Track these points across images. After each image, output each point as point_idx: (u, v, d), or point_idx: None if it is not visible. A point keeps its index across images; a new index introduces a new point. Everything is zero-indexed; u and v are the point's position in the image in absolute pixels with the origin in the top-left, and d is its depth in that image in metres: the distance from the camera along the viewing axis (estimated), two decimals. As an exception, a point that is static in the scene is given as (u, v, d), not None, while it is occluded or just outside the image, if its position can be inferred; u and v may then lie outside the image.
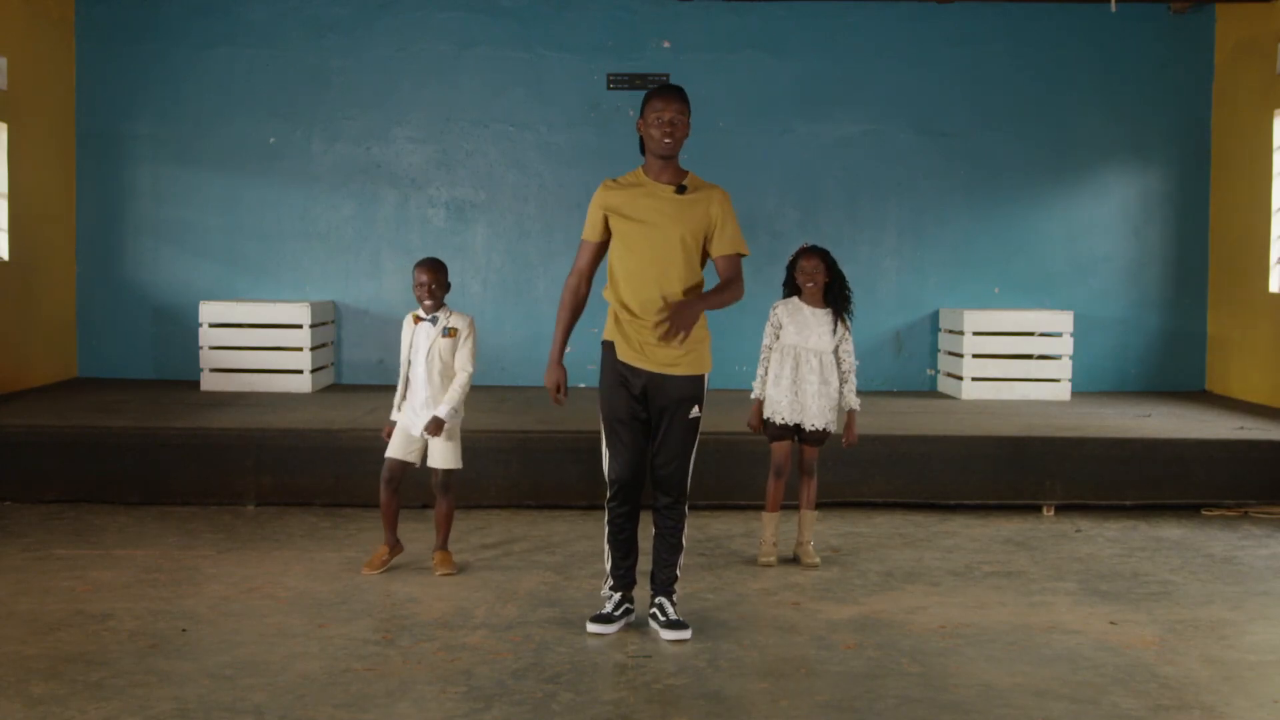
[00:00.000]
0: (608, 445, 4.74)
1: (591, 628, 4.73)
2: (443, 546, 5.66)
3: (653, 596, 4.79)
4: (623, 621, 4.77)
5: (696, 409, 4.70)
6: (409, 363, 5.60)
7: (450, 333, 5.58)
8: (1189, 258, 9.80)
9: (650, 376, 4.65)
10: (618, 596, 4.80)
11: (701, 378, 4.72)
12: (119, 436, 7.05)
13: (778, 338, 5.86)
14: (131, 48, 9.57)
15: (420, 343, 5.57)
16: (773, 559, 5.83)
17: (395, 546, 5.69)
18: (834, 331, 5.82)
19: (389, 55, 9.64)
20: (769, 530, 5.88)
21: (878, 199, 9.75)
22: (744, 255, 4.75)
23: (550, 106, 9.66)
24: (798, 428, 5.84)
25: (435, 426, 5.51)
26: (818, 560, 5.83)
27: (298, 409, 8.00)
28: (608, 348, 4.74)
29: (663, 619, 4.72)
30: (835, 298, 5.86)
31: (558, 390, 4.83)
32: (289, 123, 9.64)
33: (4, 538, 6.16)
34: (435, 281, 5.54)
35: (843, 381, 5.87)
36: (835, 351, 5.85)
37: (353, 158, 9.67)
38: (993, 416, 8.06)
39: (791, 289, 5.93)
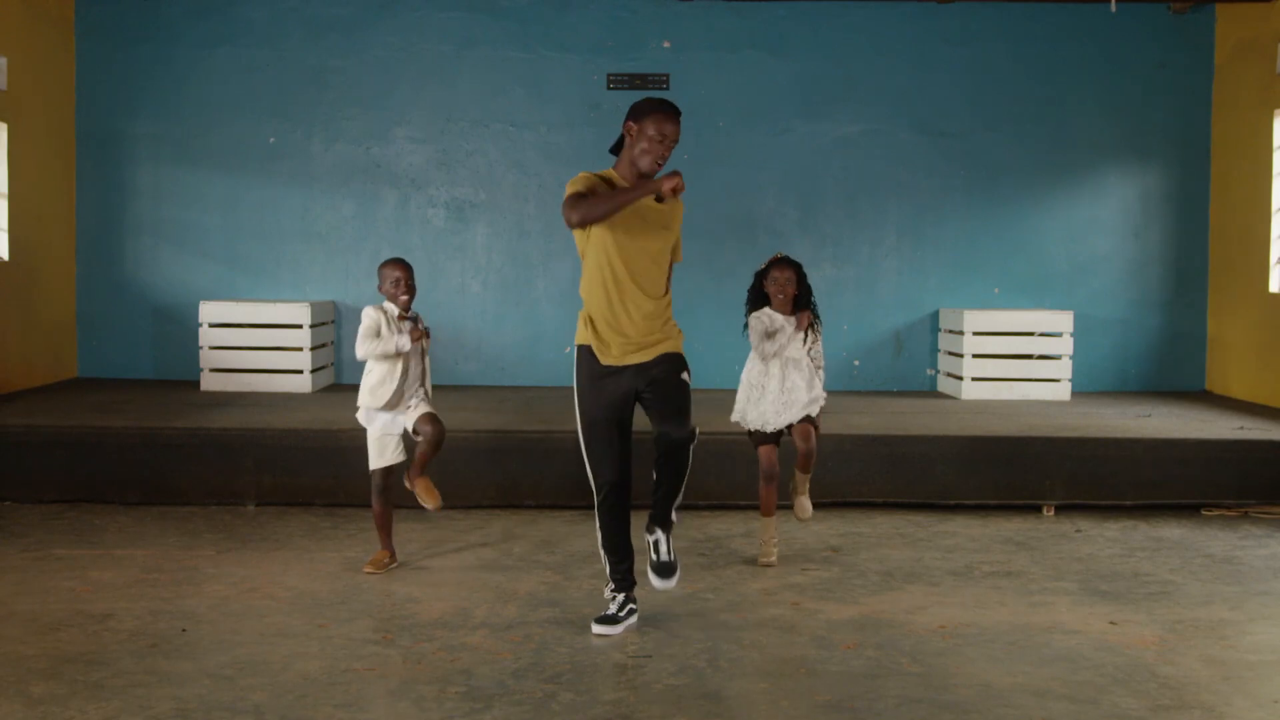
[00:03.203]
0: (587, 449, 4.73)
1: (597, 629, 4.72)
2: (423, 474, 5.59)
3: (649, 525, 4.71)
4: (627, 622, 4.77)
5: (686, 374, 4.71)
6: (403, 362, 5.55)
7: (427, 331, 5.65)
8: (1189, 258, 9.80)
9: (634, 369, 4.65)
10: (621, 597, 4.80)
11: (682, 355, 4.74)
12: (119, 436, 7.05)
13: (770, 339, 5.86)
14: (131, 48, 9.57)
15: (407, 341, 5.56)
16: (773, 559, 5.83)
17: (394, 554, 5.71)
18: (804, 341, 5.86)
19: (389, 55, 9.64)
20: (768, 533, 5.88)
21: (878, 199, 9.75)
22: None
23: (550, 106, 9.66)
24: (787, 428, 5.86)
25: (428, 421, 5.59)
26: (810, 512, 5.91)
27: (298, 409, 8.00)
28: (584, 351, 4.72)
29: (654, 559, 4.66)
30: (803, 309, 5.89)
31: (674, 184, 4.51)
32: (289, 123, 9.64)
33: (4, 538, 6.16)
34: (410, 277, 5.59)
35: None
36: (808, 354, 5.88)
37: (353, 158, 9.68)
38: (993, 416, 8.06)
39: (758, 298, 5.93)
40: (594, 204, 4.54)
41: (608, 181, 4.72)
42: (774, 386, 5.81)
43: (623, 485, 4.72)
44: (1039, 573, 5.76)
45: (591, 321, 4.70)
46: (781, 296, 5.85)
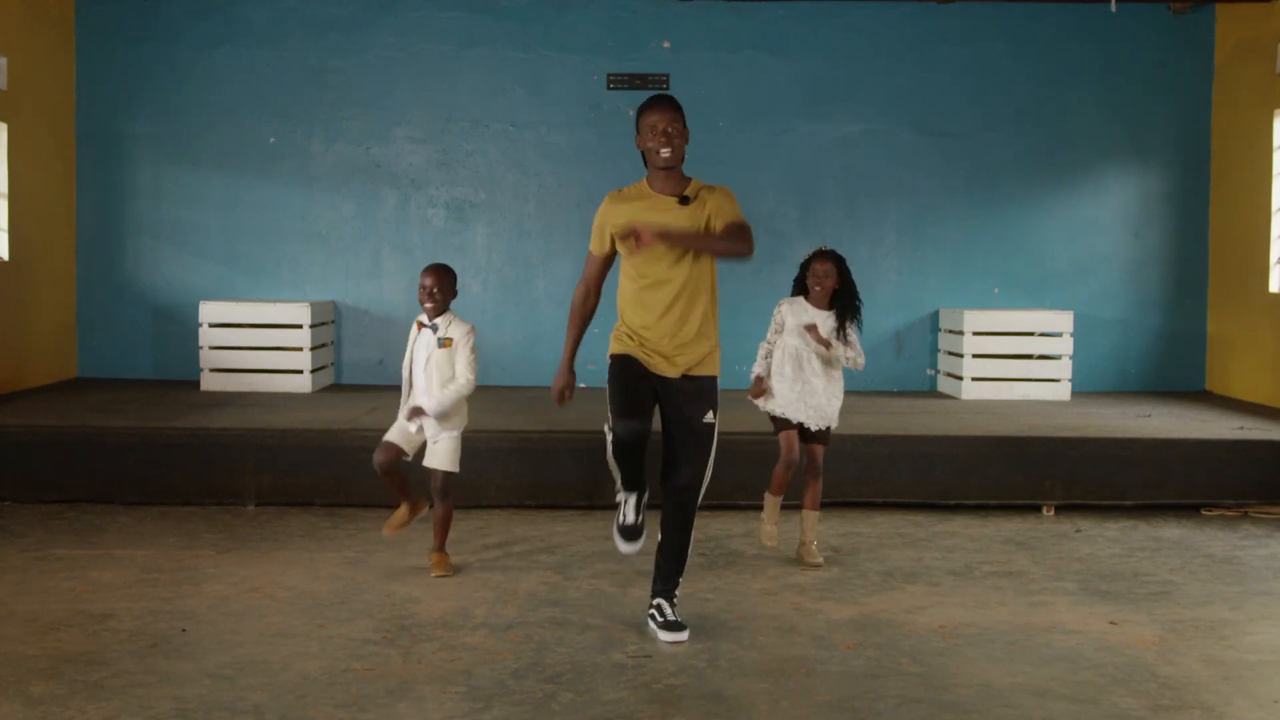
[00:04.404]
0: (612, 406, 4.59)
1: (623, 547, 4.66)
2: (440, 549, 5.66)
3: (652, 598, 4.79)
4: (646, 531, 4.66)
5: (711, 414, 4.69)
6: (409, 368, 5.61)
7: (445, 343, 5.56)
8: (1189, 258, 9.80)
9: (666, 381, 4.65)
10: (634, 497, 4.65)
11: (714, 381, 4.72)
12: (119, 436, 7.05)
13: (780, 332, 5.85)
14: (131, 48, 9.57)
15: (420, 351, 5.58)
16: (773, 541, 5.84)
17: (416, 504, 5.67)
18: (837, 335, 5.81)
19: (389, 55, 9.64)
20: (772, 510, 5.86)
21: (878, 199, 9.75)
22: (746, 226, 4.60)
23: (550, 106, 9.66)
24: (802, 425, 5.84)
25: (413, 412, 5.52)
26: (820, 560, 5.83)
27: (298, 409, 8.00)
28: (616, 358, 4.70)
29: (660, 620, 4.71)
30: (842, 305, 5.85)
31: (562, 396, 4.81)
32: (289, 123, 9.64)
33: (4, 538, 6.16)
34: (438, 285, 5.55)
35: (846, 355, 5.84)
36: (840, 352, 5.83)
37: (353, 158, 9.68)
38: (993, 416, 8.06)
39: (801, 290, 5.93)
40: (570, 320, 4.84)
41: (638, 193, 4.69)
42: (789, 374, 5.79)
43: (637, 443, 4.58)
44: (1039, 573, 5.75)
45: (626, 332, 4.69)
46: (819, 290, 5.84)
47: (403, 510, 5.69)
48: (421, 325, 5.60)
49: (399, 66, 9.64)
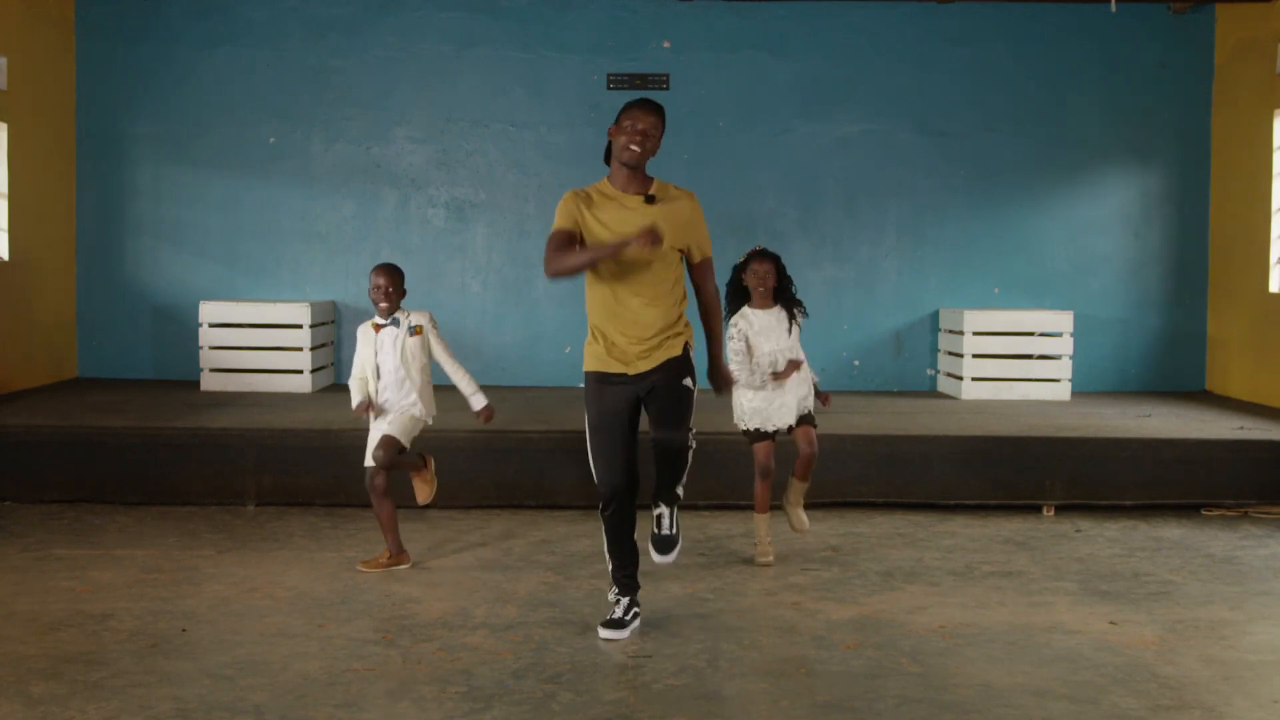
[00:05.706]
0: (593, 449, 4.69)
1: (604, 634, 4.70)
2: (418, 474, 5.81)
3: (653, 504, 4.72)
4: (633, 625, 4.76)
5: (689, 379, 4.67)
6: (376, 369, 5.63)
7: (416, 330, 5.61)
8: (1189, 258, 9.80)
9: (635, 375, 4.63)
10: (625, 601, 4.79)
11: (689, 358, 4.69)
12: (119, 436, 7.05)
13: (747, 352, 5.81)
14: (131, 48, 9.58)
15: (387, 346, 5.60)
16: (770, 558, 5.84)
17: (399, 554, 5.69)
18: (789, 330, 5.83)
19: (389, 55, 9.65)
20: (763, 530, 5.88)
21: (878, 199, 9.75)
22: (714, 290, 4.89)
23: (550, 106, 9.66)
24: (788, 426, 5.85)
25: (489, 412, 5.71)
26: (807, 525, 5.86)
27: (298, 409, 8.00)
28: (591, 376, 4.71)
29: (655, 532, 4.68)
30: (785, 299, 5.86)
31: (651, 233, 4.42)
32: (289, 123, 9.64)
33: (4, 538, 6.17)
34: (392, 284, 5.59)
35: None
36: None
37: (353, 158, 9.68)
38: (993, 416, 8.06)
39: (737, 293, 5.89)
40: (564, 259, 4.57)
41: (600, 194, 4.68)
42: (770, 381, 5.80)
43: (627, 490, 4.69)
44: (1039, 573, 5.75)
45: (596, 332, 4.70)
46: (762, 289, 5.83)
47: (384, 555, 5.69)
48: (379, 326, 5.62)
49: (399, 66, 9.64)
